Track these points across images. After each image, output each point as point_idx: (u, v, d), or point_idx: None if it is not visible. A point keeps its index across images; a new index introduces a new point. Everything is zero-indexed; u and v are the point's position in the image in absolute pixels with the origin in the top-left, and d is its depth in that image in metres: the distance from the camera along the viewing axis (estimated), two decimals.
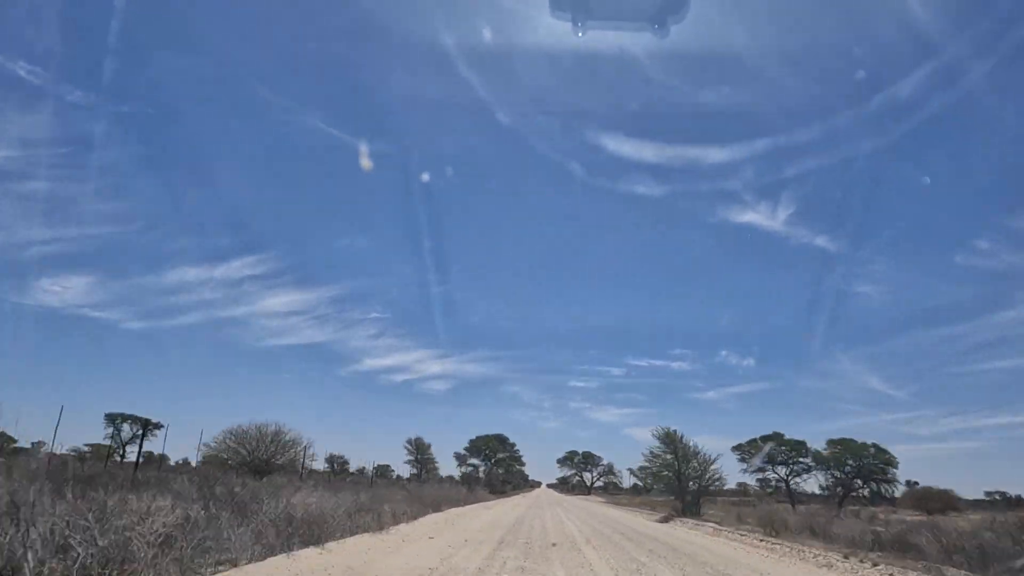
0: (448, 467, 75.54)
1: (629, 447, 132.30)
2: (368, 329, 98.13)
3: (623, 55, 54.27)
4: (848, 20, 49.48)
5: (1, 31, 51.33)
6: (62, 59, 54.57)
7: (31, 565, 6.10)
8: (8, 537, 6.29)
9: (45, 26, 48.62)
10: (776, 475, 51.77)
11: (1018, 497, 61.25)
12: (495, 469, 78.34)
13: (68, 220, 67.91)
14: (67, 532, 6.88)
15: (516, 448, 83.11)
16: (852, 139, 60.17)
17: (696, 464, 34.78)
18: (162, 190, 77.98)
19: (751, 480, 57.93)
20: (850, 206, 69.84)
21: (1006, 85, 61.60)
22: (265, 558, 9.09)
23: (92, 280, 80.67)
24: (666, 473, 36.22)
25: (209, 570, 7.82)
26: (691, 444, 35.66)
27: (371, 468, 58.91)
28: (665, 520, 29.01)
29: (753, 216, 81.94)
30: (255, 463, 25.33)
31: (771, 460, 50.93)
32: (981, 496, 63.80)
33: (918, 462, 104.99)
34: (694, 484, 34.66)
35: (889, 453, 46.50)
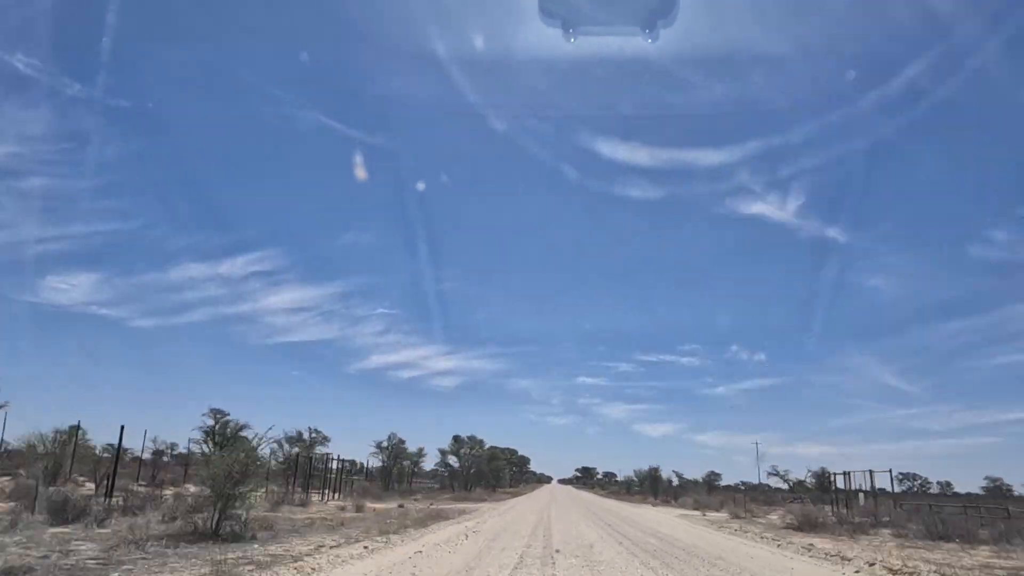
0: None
1: (639, 445, 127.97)
2: (375, 325, 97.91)
3: (614, 59, 54.48)
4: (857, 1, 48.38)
5: None
6: (60, 51, 54.37)
7: None
8: None
9: (43, 17, 48.30)
10: None
11: None
12: None
13: (71, 216, 67.75)
14: None
15: None
16: (860, 130, 59.42)
17: None
18: (164, 186, 78.11)
19: None
20: (860, 197, 68.97)
21: (1022, 70, 60.00)
22: None
23: (99, 277, 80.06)
24: None
25: None
26: None
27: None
28: None
29: (762, 207, 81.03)
30: None
31: None
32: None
33: (929, 459, 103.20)
34: None
35: None
